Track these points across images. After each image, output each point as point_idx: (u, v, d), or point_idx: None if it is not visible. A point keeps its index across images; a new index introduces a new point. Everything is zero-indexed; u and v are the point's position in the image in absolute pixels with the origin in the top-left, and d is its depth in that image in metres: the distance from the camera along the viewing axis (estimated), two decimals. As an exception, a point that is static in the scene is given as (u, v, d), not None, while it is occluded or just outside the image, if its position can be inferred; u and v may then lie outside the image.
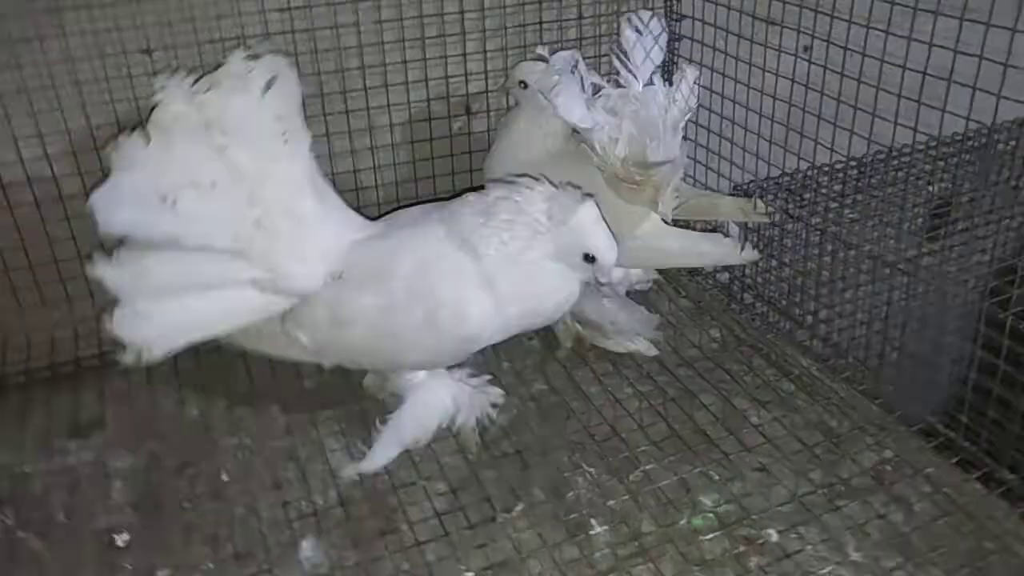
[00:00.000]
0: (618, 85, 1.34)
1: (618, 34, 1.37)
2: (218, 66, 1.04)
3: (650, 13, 1.38)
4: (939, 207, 1.66)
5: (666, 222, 1.36)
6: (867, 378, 1.37)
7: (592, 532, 1.12)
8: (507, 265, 1.09)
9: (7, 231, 1.42)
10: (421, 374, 1.19)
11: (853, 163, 1.44)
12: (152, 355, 1.09)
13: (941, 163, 1.55)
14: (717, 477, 1.19)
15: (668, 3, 1.64)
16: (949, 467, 1.19)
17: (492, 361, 1.43)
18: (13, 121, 1.35)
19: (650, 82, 1.33)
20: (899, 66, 1.22)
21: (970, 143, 1.53)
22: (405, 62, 1.53)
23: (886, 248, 1.39)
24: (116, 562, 1.11)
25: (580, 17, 1.63)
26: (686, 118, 1.35)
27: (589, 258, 1.10)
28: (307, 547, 1.11)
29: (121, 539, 1.14)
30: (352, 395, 1.37)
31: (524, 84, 1.42)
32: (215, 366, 1.45)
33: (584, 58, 1.34)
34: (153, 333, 1.08)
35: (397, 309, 1.10)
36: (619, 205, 1.33)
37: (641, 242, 1.34)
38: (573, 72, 1.31)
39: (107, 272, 1.05)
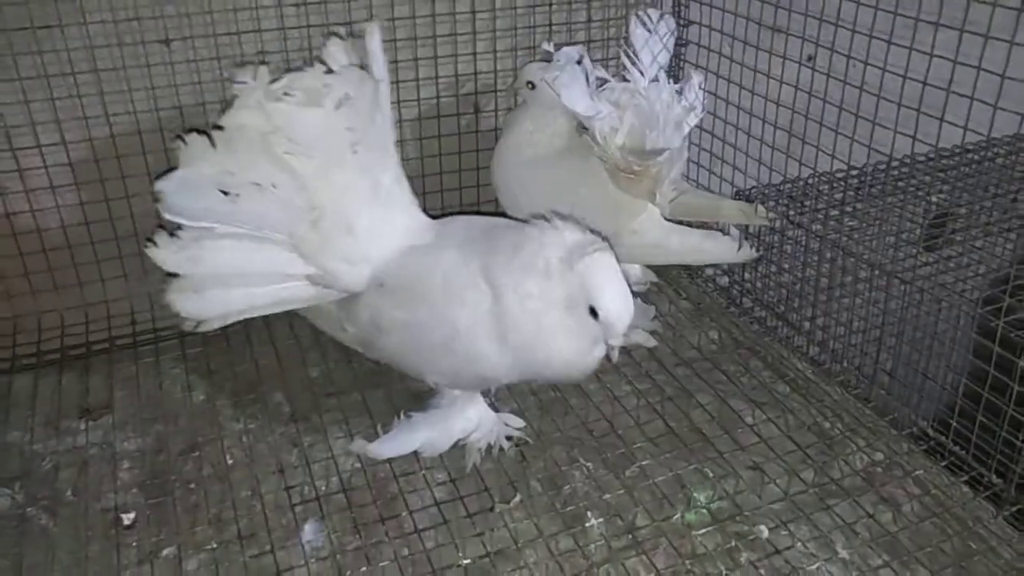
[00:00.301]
0: (623, 80, 1.36)
1: (627, 31, 1.39)
2: (298, 68, 1.05)
3: (659, 12, 1.41)
4: (937, 217, 1.69)
5: (665, 217, 1.38)
6: (860, 383, 1.40)
7: (587, 524, 1.14)
8: (518, 311, 1.07)
9: (23, 217, 1.45)
10: (458, 392, 1.22)
11: (854, 171, 1.46)
12: (208, 327, 1.13)
13: (940, 174, 1.57)
14: (711, 474, 1.22)
15: (676, 8, 1.67)
16: (938, 470, 1.22)
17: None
18: (32, 107, 1.38)
19: (655, 79, 1.36)
20: (900, 75, 1.25)
21: (969, 155, 1.56)
22: (416, 59, 1.56)
23: (884, 256, 1.41)
24: (123, 540, 1.13)
25: (589, 20, 1.66)
26: (694, 121, 1.37)
27: (594, 312, 1.05)
28: (309, 531, 1.14)
29: (128, 518, 1.17)
30: (355, 384, 1.40)
31: (532, 85, 1.45)
32: (222, 352, 1.49)
33: (594, 59, 1.37)
34: (207, 311, 1.11)
35: (421, 328, 1.12)
36: (619, 196, 1.35)
37: (641, 238, 1.37)
38: (579, 65, 1.34)
39: (164, 255, 1.07)
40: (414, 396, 1.36)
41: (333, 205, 1.09)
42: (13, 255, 1.46)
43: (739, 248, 1.41)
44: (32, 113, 1.38)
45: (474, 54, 1.60)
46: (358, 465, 1.24)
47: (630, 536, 1.12)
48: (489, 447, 1.24)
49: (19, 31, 1.32)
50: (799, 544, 1.10)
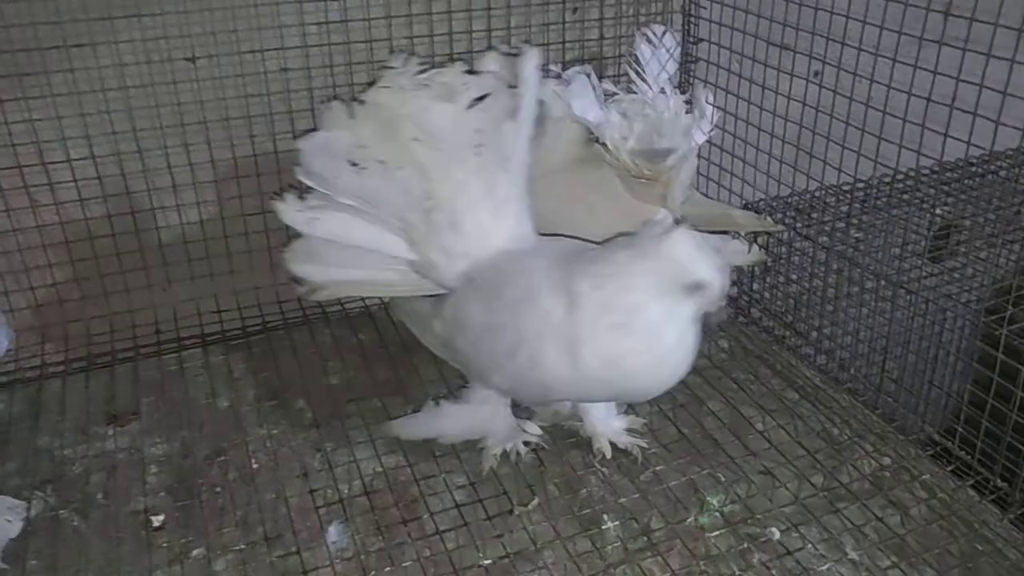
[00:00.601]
0: (630, 92, 1.41)
1: (633, 46, 1.43)
2: (443, 64, 1.10)
3: (664, 28, 1.45)
4: (942, 229, 1.73)
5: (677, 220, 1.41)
6: (868, 390, 1.43)
7: (604, 527, 1.17)
8: (599, 318, 1.04)
9: (52, 229, 1.49)
10: (490, 391, 1.22)
11: (860, 184, 1.50)
12: (320, 296, 1.17)
13: (944, 187, 1.61)
14: (723, 479, 1.25)
15: (686, 27, 1.71)
16: (944, 475, 1.25)
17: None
18: (63, 123, 1.42)
19: (662, 91, 1.40)
20: (905, 92, 1.28)
21: (972, 169, 1.60)
22: (433, 76, 1.60)
23: (890, 268, 1.45)
24: (153, 541, 1.16)
25: (601, 38, 1.71)
26: (704, 133, 1.41)
27: (694, 287, 1.03)
28: (334, 532, 1.17)
29: (157, 520, 1.20)
30: (374, 391, 1.44)
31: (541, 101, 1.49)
32: (244, 360, 1.53)
33: (605, 76, 1.41)
34: (320, 276, 1.15)
35: (493, 330, 1.12)
36: (631, 203, 1.39)
37: None
38: (588, 78, 1.38)
39: (289, 211, 1.12)
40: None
41: (446, 199, 1.12)
42: (42, 266, 1.51)
43: (749, 250, 1.43)
44: (63, 128, 1.43)
45: (489, 71, 1.64)
46: (380, 469, 1.28)
47: (645, 538, 1.15)
48: (505, 452, 1.27)
49: (52, 49, 1.36)
50: (810, 546, 1.14)
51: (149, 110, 1.46)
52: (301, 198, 1.11)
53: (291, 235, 1.14)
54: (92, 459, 1.31)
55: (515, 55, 1.12)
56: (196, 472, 1.29)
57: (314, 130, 1.09)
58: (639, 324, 1.03)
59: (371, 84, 1.08)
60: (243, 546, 1.15)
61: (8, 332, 1.47)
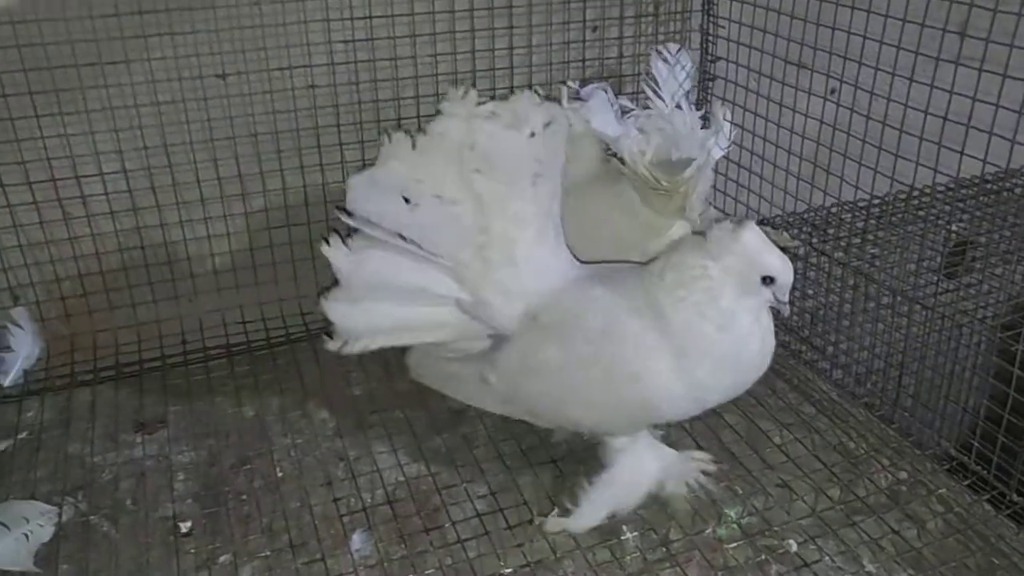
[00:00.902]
0: (647, 108, 1.43)
1: (649, 65, 1.46)
2: (504, 95, 1.09)
3: (679, 46, 1.47)
4: (957, 246, 1.74)
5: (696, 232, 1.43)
6: (884, 404, 1.44)
7: (623, 537, 1.19)
8: (693, 320, 1.05)
9: (84, 241, 1.53)
10: (623, 439, 1.18)
11: (876, 201, 1.52)
12: (352, 348, 1.14)
13: (960, 204, 1.63)
14: (741, 491, 1.27)
15: (704, 45, 1.74)
16: (961, 489, 1.26)
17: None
18: (96, 137, 1.46)
19: (678, 106, 1.42)
20: (921, 111, 1.30)
21: (988, 186, 1.61)
22: (456, 93, 1.64)
23: (906, 283, 1.46)
24: (181, 547, 1.19)
25: (620, 56, 1.74)
26: (721, 148, 1.43)
27: (767, 280, 1.05)
28: (357, 540, 1.19)
29: (185, 526, 1.23)
30: (396, 403, 1.47)
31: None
32: (269, 371, 1.56)
33: (623, 93, 1.44)
34: (358, 324, 1.12)
35: (579, 364, 1.10)
36: (649, 217, 1.41)
37: None
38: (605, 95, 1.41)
39: (336, 254, 1.09)
40: (452, 414, 1.43)
41: (502, 233, 1.09)
42: (73, 276, 1.55)
43: None
44: (96, 143, 1.47)
45: (511, 88, 1.67)
46: (402, 478, 1.30)
47: (664, 549, 1.17)
48: (689, 489, 1.23)
49: (88, 66, 1.41)
50: (827, 558, 1.15)
51: (179, 125, 1.50)
52: (346, 241, 1.08)
53: (329, 283, 1.10)
54: (121, 466, 1.34)
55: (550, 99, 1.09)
56: (223, 480, 1.31)
57: (368, 166, 1.07)
58: (736, 322, 1.05)
59: (433, 115, 1.05)
60: (268, 553, 1.18)
61: (38, 341, 1.52)
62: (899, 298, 1.43)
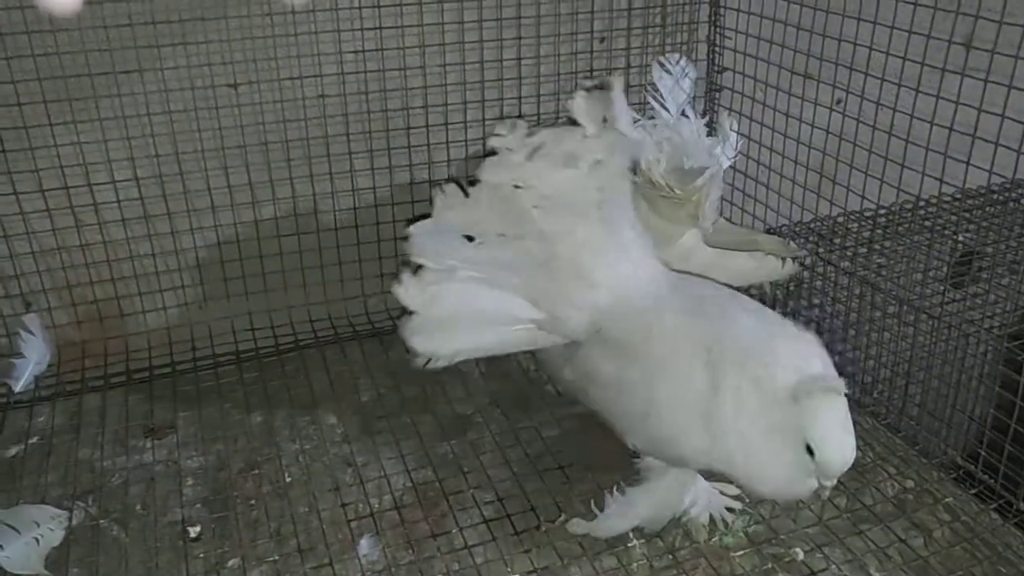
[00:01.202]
0: (651, 119, 1.44)
1: (653, 75, 1.47)
2: (552, 124, 1.11)
3: (679, 56, 1.48)
4: (964, 256, 1.74)
5: (708, 243, 1.43)
6: (891, 413, 1.45)
7: (629, 544, 1.19)
8: (732, 416, 1.00)
9: (96, 247, 1.54)
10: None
11: (882, 211, 1.52)
12: (437, 364, 1.14)
13: (967, 215, 1.63)
14: (747, 499, 1.27)
15: (711, 56, 1.75)
16: (967, 498, 1.26)
17: (537, 383, 1.53)
18: (109, 145, 1.48)
19: (684, 115, 1.43)
20: (928, 121, 1.31)
21: (994, 196, 1.62)
22: (465, 103, 1.65)
23: (912, 293, 1.47)
24: (190, 551, 1.20)
25: (628, 66, 1.75)
26: (728, 157, 1.44)
27: (811, 451, 0.96)
28: (365, 545, 1.20)
29: (194, 531, 1.23)
30: (404, 409, 1.48)
31: None
32: (278, 377, 1.57)
33: (630, 104, 1.44)
34: (439, 348, 1.13)
35: (627, 388, 1.10)
36: (659, 225, 1.42)
37: (688, 265, 1.42)
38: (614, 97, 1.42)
39: (409, 294, 1.09)
40: (460, 420, 1.44)
41: (571, 256, 1.10)
42: (84, 283, 1.56)
43: (783, 265, 1.45)
44: (109, 151, 1.48)
45: (519, 98, 1.69)
46: (409, 484, 1.31)
47: (671, 556, 1.17)
48: (713, 520, 1.22)
49: (101, 75, 1.42)
50: (833, 566, 1.15)
51: (191, 134, 1.51)
52: (417, 274, 1.08)
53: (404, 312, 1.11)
54: (131, 471, 1.35)
55: (601, 89, 1.06)
56: (231, 485, 1.32)
57: (424, 216, 1.08)
58: (774, 445, 0.99)
59: (482, 157, 1.05)
60: (277, 557, 1.18)
61: (50, 347, 1.53)
62: (905, 308, 1.43)
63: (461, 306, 1.11)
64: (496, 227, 1.08)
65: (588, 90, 1.07)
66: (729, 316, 1.07)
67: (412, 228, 1.08)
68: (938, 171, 1.31)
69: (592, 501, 1.20)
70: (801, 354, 1.01)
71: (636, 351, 1.08)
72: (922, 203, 1.53)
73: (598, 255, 1.11)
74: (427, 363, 1.13)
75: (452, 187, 1.07)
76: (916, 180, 1.35)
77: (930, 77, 1.30)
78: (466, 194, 1.06)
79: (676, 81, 1.46)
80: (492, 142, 1.06)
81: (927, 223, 1.58)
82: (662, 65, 1.46)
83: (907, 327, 1.46)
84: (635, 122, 1.44)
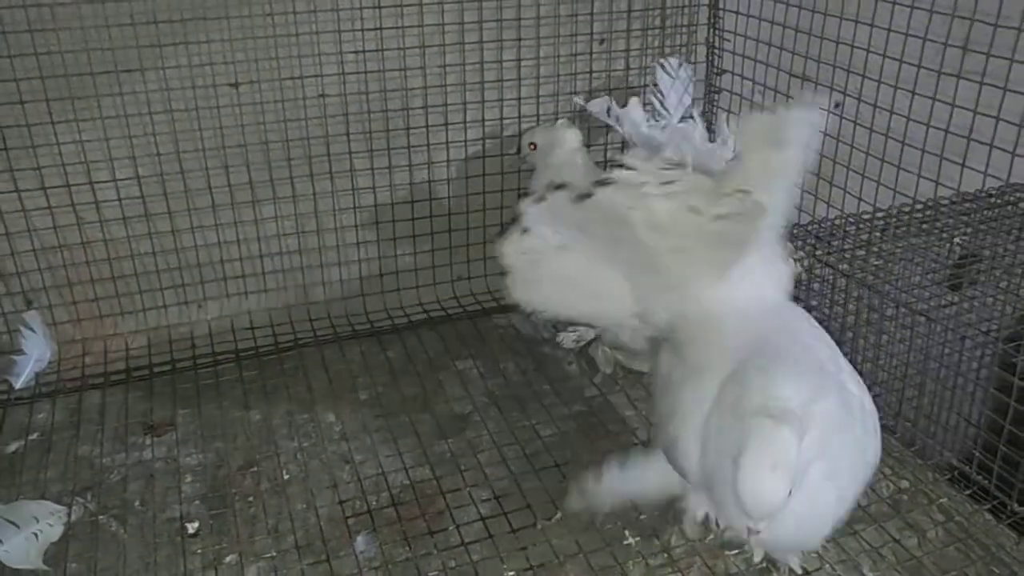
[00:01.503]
0: (655, 119, 1.45)
1: (656, 78, 1.48)
2: (676, 164, 1.08)
3: (679, 59, 1.49)
4: (961, 258, 1.75)
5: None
6: (887, 415, 1.45)
7: (625, 542, 1.20)
8: (714, 431, 0.94)
9: (96, 245, 1.55)
10: None
11: (880, 213, 1.53)
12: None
13: (964, 217, 1.63)
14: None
15: (710, 58, 1.76)
16: (962, 499, 1.27)
17: (535, 382, 1.54)
18: (111, 143, 1.49)
19: (688, 117, 1.44)
20: (924, 124, 1.32)
21: (991, 199, 1.62)
22: (464, 103, 1.66)
23: (910, 295, 1.47)
24: (188, 547, 1.21)
25: (627, 68, 1.76)
26: (727, 162, 1.45)
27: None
28: (362, 542, 1.20)
29: (192, 527, 1.24)
30: (402, 408, 1.48)
31: (534, 145, 1.55)
32: (277, 375, 1.58)
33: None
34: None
35: (668, 386, 1.07)
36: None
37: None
38: (608, 114, 1.43)
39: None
40: (457, 419, 1.45)
41: (674, 269, 1.07)
42: (85, 281, 1.57)
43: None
44: (111, 149, 1.49)
45: (519, 99, 1.70)
46: (407, 482, 1.32)
47: (666, 554, 1.18)
48: (706, 517, 1.14)
49: (103, 74, 1.43)
50: (827, 566, 1.16)
51: (192, 133, 1.52)
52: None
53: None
54: (130, 467, 1.36)
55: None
56: (230, 482, 1.33)
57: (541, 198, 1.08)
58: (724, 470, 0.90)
59: (607, 176, 1.04)
60: (274, 553, 1.19)
61: (50, 344, 1.54)
62: (903, 310, 1.43)
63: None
64: (604, 230, 1.07)
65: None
66: (773, 343, 1.00)
67: (526, 206, 1.08)
68: (934, 173, 1.32)
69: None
70: (786, 383, 0.90)
71: (685, 353, 1.06)
72: (919, 205, 1.54)
73: (700, 272, 1.07)
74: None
75: (563, 193, 1.06)
76: (912, 182, 1.36)
77: (927, 80, 1.31)
78: (575, 204, 1.05)
79: (674, 84, 1.47)
80: (626, 163, 1.05)
81: (924, 226, 1.59)
82: (662, 68, 1.48)
83: (904, 330, 1.46)
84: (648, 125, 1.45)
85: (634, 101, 1.46)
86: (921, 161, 1.33)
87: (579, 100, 1.52)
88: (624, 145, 1.68)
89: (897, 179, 1.39)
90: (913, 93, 1.33)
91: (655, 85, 1.48)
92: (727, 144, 1.46)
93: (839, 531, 1.20)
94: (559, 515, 1.24)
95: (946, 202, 1.62)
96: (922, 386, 1.48)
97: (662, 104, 1.46)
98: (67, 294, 1.58)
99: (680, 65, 1.50)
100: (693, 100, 1.49)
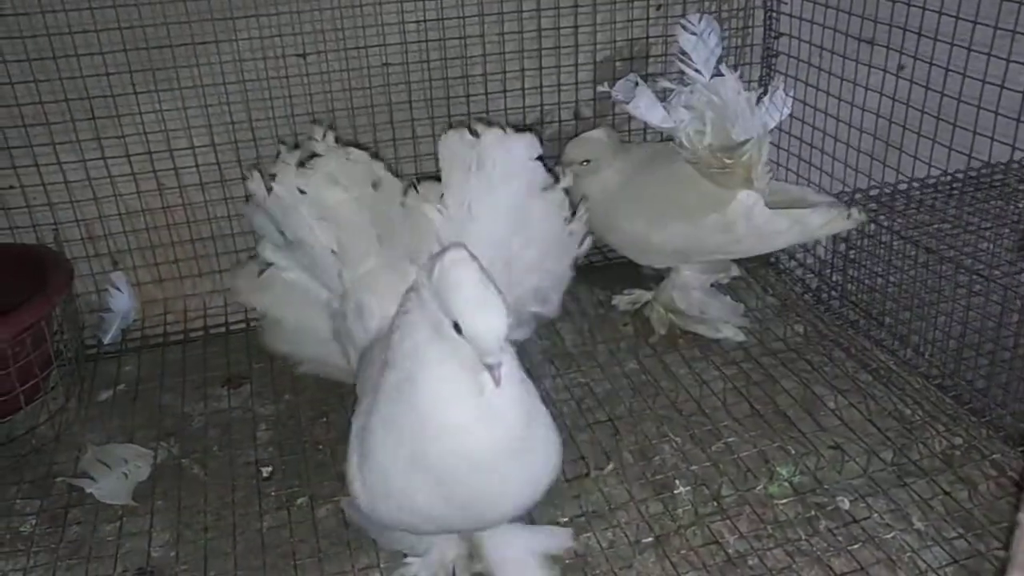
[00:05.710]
0: (684, 84, 1.45)
1: (680, 41, 1.47)
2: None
3: (700, 16, 1.48)
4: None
5: (766, 203, 1.45)
6: (944, 375, 1.45)
7: (675, 491, 1.24)
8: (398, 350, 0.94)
9: (176, 209, 1.64)
10: None
11: (945, 178, 1.51)
12: None
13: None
14: (793, 452, 1.30)
15: (767, 22, 1.76)
16: (1015, 455, 1.27)
17: (588, 342, 1.58)
18: (188, 112, 1.57)
19: (718, 73, 1.44)
20: (997, 85, 1.29)
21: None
22: (523, 70, 1.70)
23: (975, 260, 1.45)
24: (263, 489, 1.29)
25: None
26: (775, 121, 1.44)
27: (457, 327, 0.85)
28: (424, 486, 1.27)
29: (266, 470, 1.33)
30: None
31: (587, 161, 1.55)
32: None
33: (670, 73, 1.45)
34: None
35: None
36: (715, 191, 1.45)
37: (753, 226, 1.45)
38: (636, 88, 1.45)
39: None
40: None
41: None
42: (166, 243, 1.67)
43: (848, 216, 1.44)
44: (189, 118, 1.58)
45: (576, 65, 1.73)
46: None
47: (715, 503, 1.22)
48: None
49: (181, 47, 1.51)
50: (876, 515, 1.18)
51: (263, 102, 1.60)
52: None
53: None
54: (210, 416, 1.45)
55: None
56: (300, 431, 1.41)
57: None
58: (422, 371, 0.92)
59: None
60: (341, 497, 1.26)
61: (135, 303, 1.65)
62: (968, 275, 1.42)
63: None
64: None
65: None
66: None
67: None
68: (1008, 136, 1.29)
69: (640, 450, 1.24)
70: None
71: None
72: (987, 170, 1.52)
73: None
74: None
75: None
76: (985, 146, 1.33)
77: (1001, 41, 1.28)
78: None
79: (701, 41, 1.45)
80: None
81: (993, 191, 1.56)
82: (685, 28, 1.46)
83: (969, 293, 1.45)
84: (672, 92, 1.45)
85: (643, 90, 1.46)
86: (994, 124, 1.30)
87: (605, 89, 1.52)
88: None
89: (972, 144, 1.35)
90: (989, 55, 1.29)
91: (680, 49, 1.46)
92: (775, 104, 1.45)
93: (889, 483, 1.22)
94: (611, 466, 1.28)
95: (1017, 165, 1.59)
96: (979, 347, 1.47)
97: (690, 65, 1.44)
98: (149, 256, 1.68)
99: (701, 20, 1.48)
100: (723, 55, 1.46)
